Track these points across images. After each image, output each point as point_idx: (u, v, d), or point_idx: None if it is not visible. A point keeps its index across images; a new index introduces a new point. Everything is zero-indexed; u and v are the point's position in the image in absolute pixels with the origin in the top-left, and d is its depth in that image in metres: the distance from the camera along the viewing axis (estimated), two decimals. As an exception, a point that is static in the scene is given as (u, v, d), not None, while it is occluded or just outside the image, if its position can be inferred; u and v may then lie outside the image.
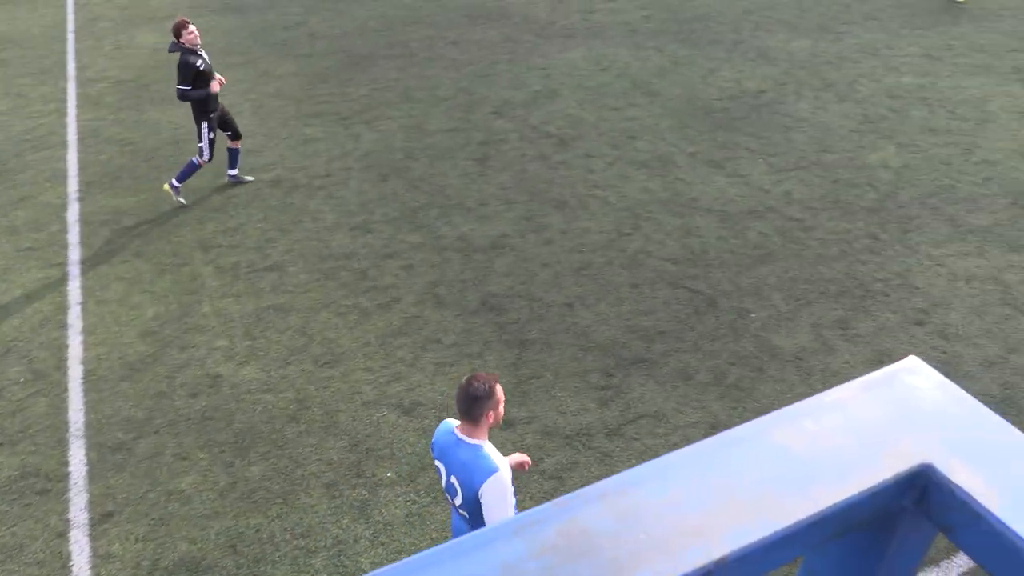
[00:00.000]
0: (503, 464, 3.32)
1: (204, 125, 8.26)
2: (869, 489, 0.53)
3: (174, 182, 8.33)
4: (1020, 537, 0.48)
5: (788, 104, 10.49)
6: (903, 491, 0.54)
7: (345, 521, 4.98)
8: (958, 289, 6.99)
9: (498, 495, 3.26)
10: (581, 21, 13.55)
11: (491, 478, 3.25)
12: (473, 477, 3.28)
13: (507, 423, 5.60)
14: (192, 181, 8.61)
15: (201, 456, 5.49)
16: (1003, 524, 0.49)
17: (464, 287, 7.06)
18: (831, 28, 13.40)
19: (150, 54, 12.55)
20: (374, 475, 5.29)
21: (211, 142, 8.33)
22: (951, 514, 0.52)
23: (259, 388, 6.05)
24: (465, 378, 3.40)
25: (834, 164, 8.99)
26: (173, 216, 8.32)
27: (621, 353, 6.26)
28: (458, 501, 3.42)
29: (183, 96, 8.06)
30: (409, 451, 5.46)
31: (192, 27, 8.03)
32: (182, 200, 8.40)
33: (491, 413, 3.35)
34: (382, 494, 5.16)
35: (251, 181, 8.82)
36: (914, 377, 0.61)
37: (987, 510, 0.50)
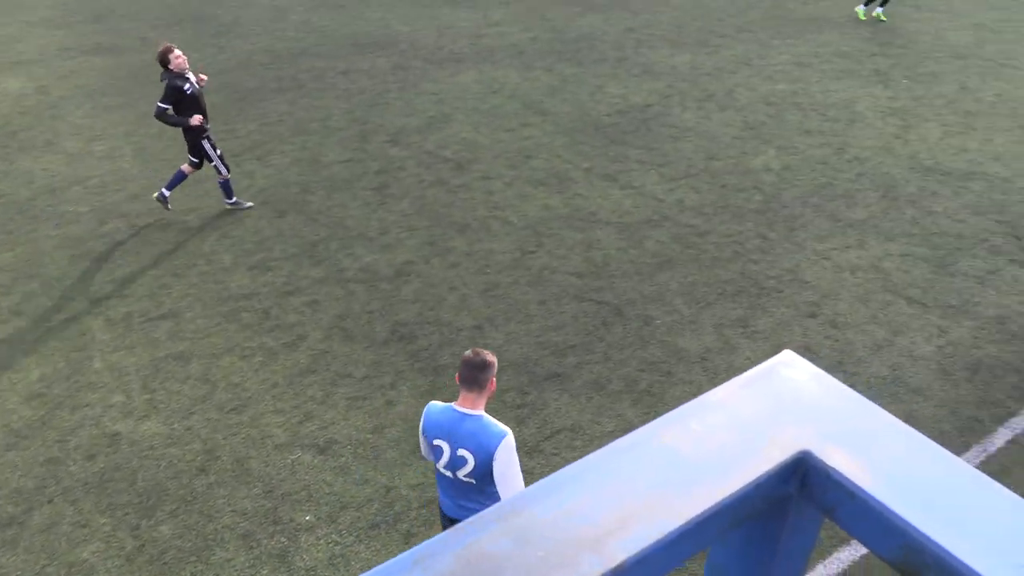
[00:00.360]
0: (508, 428, 3.65)
1: (206, 145, 8.30)
2: (755, 480, 0.55)
3: (227, 201, 8.64)
4: (891, 511, 0.51)
5: (674, 115, 10.90)
6: (786, 479, 0.56)
7: (265, 572, 4.79)
8: (844, 280, 7.40)
9: (511, 454, 3.61)
10: (469, 45, 13.70)
11: (503, 441, 3.57)
12: (487, 443, 3.56)
13: (426, 451, 5.54)
14: (72, 230, 8.17)
15: (103, 521, 5.18)
16: (875, 500, 0.52)
17: (372, 318, 6.97)
18: (708, 42, 14.04)
19: (16, 100, 11.90)
20: (292, 520, 5.12)
21: (220, 157, 8.42)
22: (829, 496, 0.55)
23: (162, 442, 5.76)
24: (467, 352, 3.67)
25: (721, 170, 9.38)
26: (54, 269, 7.87)
27: (534, 370, 6.31)
28: (465, 471, 3.65)
29: (158, 114, 8.04)
30: (327, 491, 5.31)
31: (177, 51, 7.97)
32: (249, 204, 8.74)
33: (493, 380, 3.67)
34: (302, 539, 4.99)
35: (170, 209, 8.69)
36: (790, 370, 0.64)
37: (861, 489, 0.53)
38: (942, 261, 7.73)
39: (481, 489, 3.73)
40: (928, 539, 0.50)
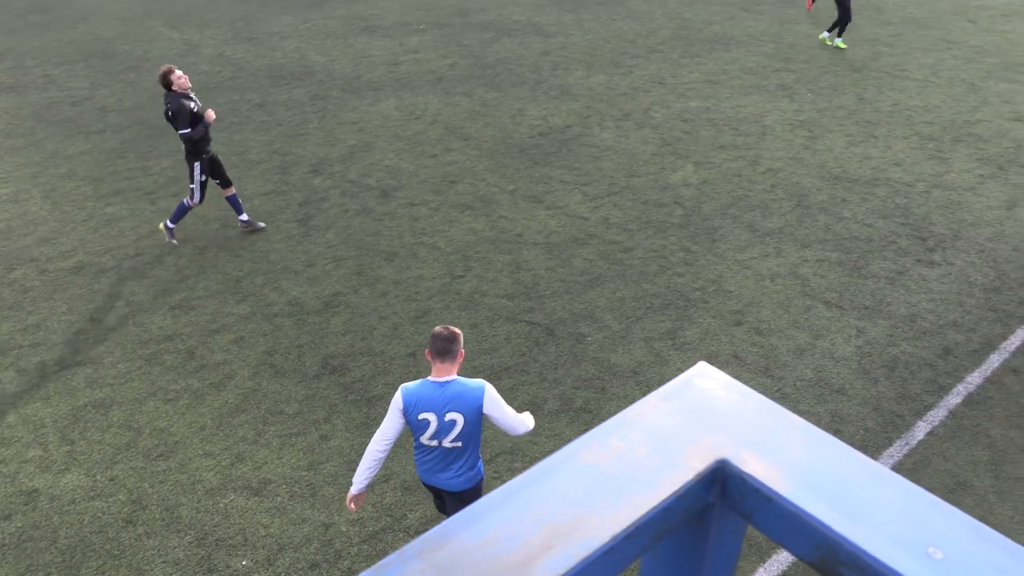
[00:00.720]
0: (483, 380, 4.05)
1: (196, 166, 8.20)
2: (676, 492, 0.56)
3: (168, 223, 8.39)
4: (805, 512, 0.53)
5: (593, 135, 11.12)
6: (706, 488, 0.58)
7: (201, 623, 4.60)
8: (765, 288, 7.65)
9: (496, 397, 3.98)
10: (387, 73, 13.70)
11: (485, 391, 3.96)
12: (472, 400, 3.93)
13: (364, 485, 5.44)
14: (-22, 280, 7.76)
15: (22, 584, 4.88)
16: (790, 503, 0.54)
17: (301, 352, 6.83)
18: (622, 63, 14.41)
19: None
20: (228, 567, 4.93)
21: (202, 184, 8.25)
22: (748, 502, 0.57)
23: (84, 495, 5.49)
24: (435, 329, 4.02)
25: (642, 187, 9.60)
26: (-41, 321, 7.45)
27: (470, 394, 6.28)
28: (451, 436, 3.98)
29: (187, 139, 8.00)
30: (264, 534, 5.15)
31: (179, 72, 7.94)
32: (175, 241, 8.48)
33: (462, 350, 4.04)
34: (239, 585, 4.81)
35: (263, 228, 8.77)
36: (705, 381, 0.66)
37: (776, 493, 0.55)
38: (855, 264, 8.07)
39: (464, 454, 4.08)
40: (841, 537, 0.52)
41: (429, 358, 3.99)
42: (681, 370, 6.53)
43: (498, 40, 15.83)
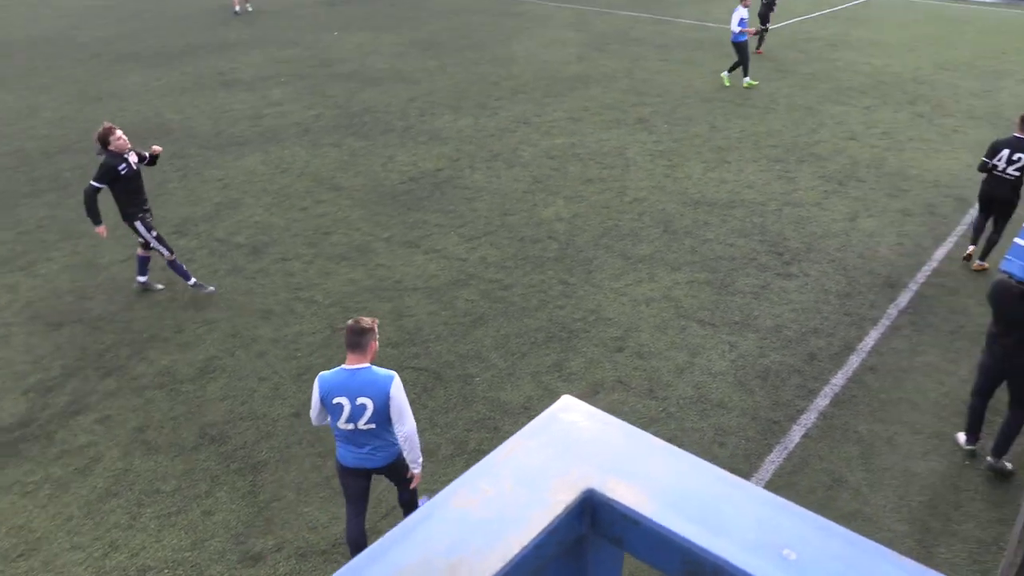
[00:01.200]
0: (392, 371, 4.48)
1: (140, 227, 7.90)
2: (547, 527, 0.56)
3: (189, 284, 8.26)
4: (669, 531, 0.55)
5: (465, 177, 11.26)
6: (577, 519, 0.59)
7: None
8: (641, 313, 7.92)
9: (402, 390, 4.44)
10: (250, 127, 13.39)
11: (393, 381, 4.42)
12: (381, 386, 4.38)
13: (254, 558, 5.16)
14: None
15: None
16: (656, 524, 0.55)
17: (176, 424, 6.45)
18: (487, 105, 14.73)
19: None
20: (108, 667, 4.53)
21: (158, 238, 7.91)
22: (616, 527, 0.58)
23: (-67, 611, 4.91)
24: (349, 322, 4.46)
25: (516, 224, 9.78)
26: None
27: (361, 448, 6.11)
28: (364, 419, 4.42)
29: (88, 191, 7.55)
30: (146, 624, 4.77)
31: (119, 132, 7.45)
32: (212, 288, 8.34)
33: (374, 342, 4.46)
34: None
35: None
36: (569, 414, 0.67)
37: (642, 516, 0.56)
38: (722, 283, 8.51)
39: (379, 434, 4.51)
40: (704, 551, 0.53)
41: (347, 350, 4.46)
42: (570, 401, 6.63)
43: (363, 89, 15.83)
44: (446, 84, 16.26)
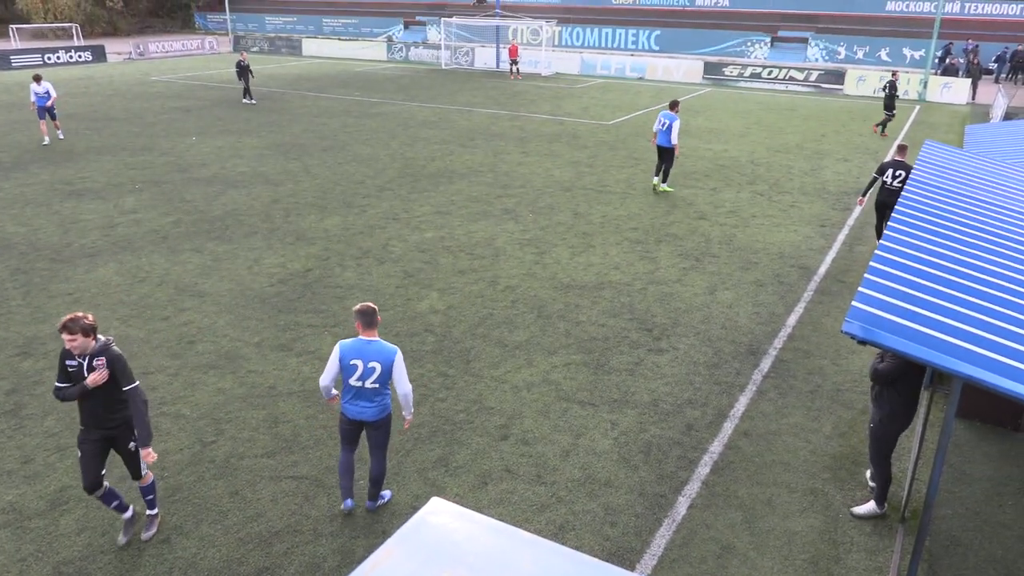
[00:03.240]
0: (396, 346, 5.85)
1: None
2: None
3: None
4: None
5: (336, 276, 11.12)
6: (453, 627, 0.57)
7: None
8: (523, 399, 7.95)
9: (402, 361, 5.77)
10: (103, 237, 12.74)
11: (397, 353, 5.75)
12: (388, 355, 5.72)
13: None
14: None
15: None
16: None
17: (25, 567, 5.77)
18: (354, 203, 14.76)
19: None
20: None
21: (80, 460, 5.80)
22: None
23: None
24: (360, 304, 5.80)
25: (391, 320, 9.69)
26: None
27: (240, 571, 5.69)
28: (372, 379, 5.70)
29: (55, 395, 5.68)
30: None
31: (68, 337, 5.47)
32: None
33: (379, 318, 5.81)
34: None
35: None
36: (438, 516, 0.66)
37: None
38: (597, 363, 8.71)
39: (379, 392, 5.78)
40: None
41: (359, 328, 5.76)
42: (459, 495, 6.49)
43: (224, 192, 15.51)
44: (310, 184, 16.21)
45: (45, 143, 20.12)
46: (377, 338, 5.77)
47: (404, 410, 5.96)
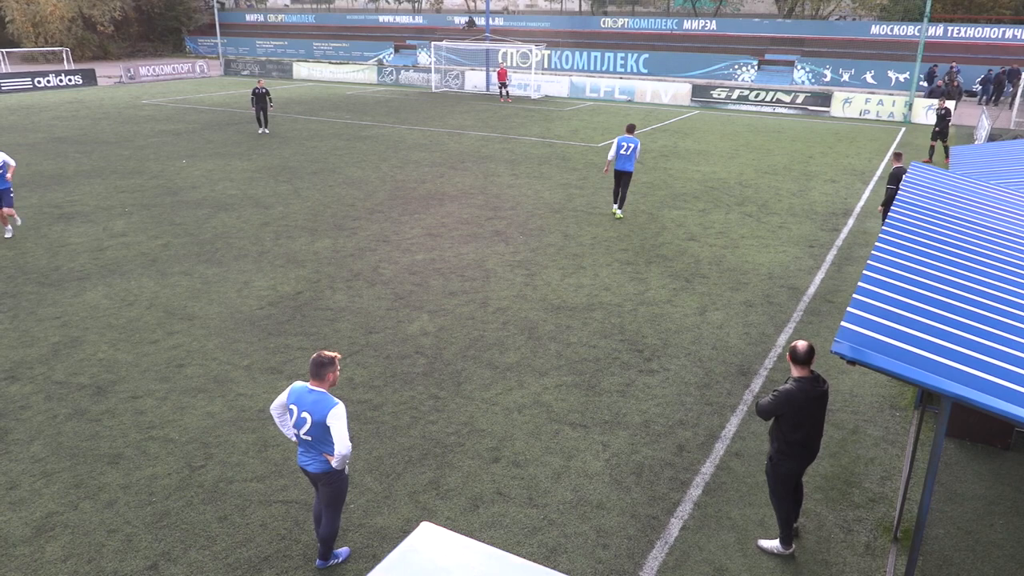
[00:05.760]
0: (340, 401, 5.33)
1: None
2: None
3: None
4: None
5: (326, 298, 11.10)
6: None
7: None
8: (514, 421, 7.92)
9: (340, 417, 5.25)
10: (91, 260, 12.69)
11: (334, 408, 5.25)
12: (322, 409, 5.27)
13: None
14: None
15: None
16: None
17: (7, 596, 5.68)
18: (344, 226, 14.76)
19: None
20: None
21: None
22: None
23: None
24: (315, 353, 5.42)
25: (382, 342, 9.67)
26: None
27: (226, 598, 5.61)
28: (304, 429, 5.34)
29: None
30: None
31: None
32: None
33: (331, 375, 5.39)
34: None
35: None
36: (428, 542, 0.66)
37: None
38: (588, 384, 8.70)
39: (315, 446, 5.39)
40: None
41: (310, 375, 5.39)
42: (450, 519, 6.44)
43: (214, 215, 15.50)
44: (300, 207, 16.22)
45: (8, 235, 14.05)
46: (322, 390, 5.34)
47: (334, 460, 5.30)
